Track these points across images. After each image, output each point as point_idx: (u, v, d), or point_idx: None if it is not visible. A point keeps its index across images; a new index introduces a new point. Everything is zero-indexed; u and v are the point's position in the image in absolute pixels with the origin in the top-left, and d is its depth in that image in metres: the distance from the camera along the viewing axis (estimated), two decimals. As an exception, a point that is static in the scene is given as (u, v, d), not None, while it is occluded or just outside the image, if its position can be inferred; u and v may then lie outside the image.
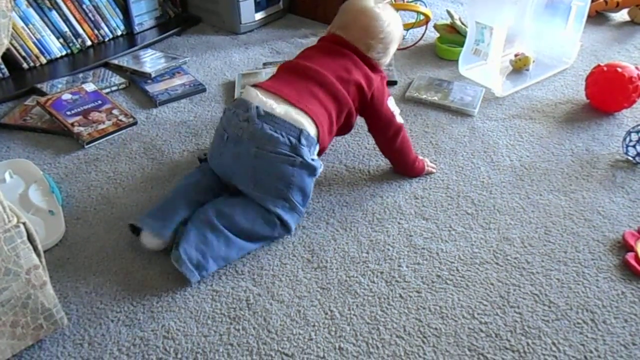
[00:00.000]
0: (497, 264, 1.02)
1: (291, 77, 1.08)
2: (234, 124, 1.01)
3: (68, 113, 1.35)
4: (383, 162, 1.26)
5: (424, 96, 1.51)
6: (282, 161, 0.99)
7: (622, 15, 2.06)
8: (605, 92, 1.44)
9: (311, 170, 1.03)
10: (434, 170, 1.24)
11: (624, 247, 1.06)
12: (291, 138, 0.99)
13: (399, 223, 1.11)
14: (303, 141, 1.00)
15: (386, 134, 1.17)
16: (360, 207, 1.15)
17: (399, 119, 1.17)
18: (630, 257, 1.02)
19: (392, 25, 1.16)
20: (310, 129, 1.02)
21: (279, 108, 1.01)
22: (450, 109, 1.48)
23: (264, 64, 1.65)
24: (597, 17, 2.01)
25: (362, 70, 1.12)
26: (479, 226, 1.11)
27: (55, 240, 1.04)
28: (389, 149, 1.20)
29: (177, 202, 1.04)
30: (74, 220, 1.10)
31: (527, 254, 1.04)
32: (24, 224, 0.75)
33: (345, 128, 1.16)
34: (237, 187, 1.04)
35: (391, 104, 1.17)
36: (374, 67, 1.15)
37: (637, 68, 1.42)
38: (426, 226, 1.10)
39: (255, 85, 1.06)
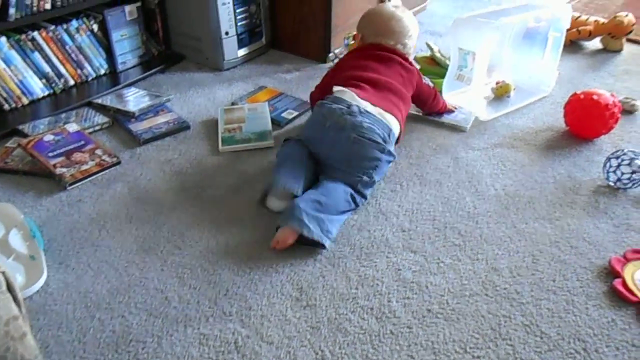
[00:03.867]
0: (486, 295, 1.02)
1: (370, 87, 1.29)
2: (337, 115, 1.21)
3: (50, 154, 1.34)
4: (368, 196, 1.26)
5: (420, 113, 1.58)
6: (375, 147, 1.21)
7: (595, 44, 2.13)
8: (583, 120, 1.47)
9: (392, 158, 1.27)
10: (454, 108, 1.59)
11: (611, 273, 1.06)
12: (384, 132, 1.23)
13: (387, 257, 1.10)
14: (391, 137, 1.25)
15: (428, 102, 1.50)
16: (347, 241, 1.14)
17: (431, 84, 1.49)
18: (618, 283, 1.03)
19: (414, 23, 1.44)
20: (396, 129, 1.28)
21: (374, 110, 1.24)
22: (444, 125, 1.55)
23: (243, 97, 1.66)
24: (571, 45, 2.07)
25: (408, 68, 1.39)
26: (467, 257, 1.11)
27: (36, 286, 1.01)
28: (431, 109, 1.54)
29: (296, 162, 1.22)
30: (56, 265, 1.08)
31: (516, 284, 1.04)
32: (3, 273, 0.73)
33: (421, 106, 1.53)
34: (326, 164, 1.23)
35: (425, 79, 1.46)
36: (409, 61, 1.41)
37: (612, 95, 1.46)
38: (414, 259, 1.10)
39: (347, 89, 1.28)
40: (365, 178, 1.20)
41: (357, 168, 1.21)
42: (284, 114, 1.58)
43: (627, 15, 2.05)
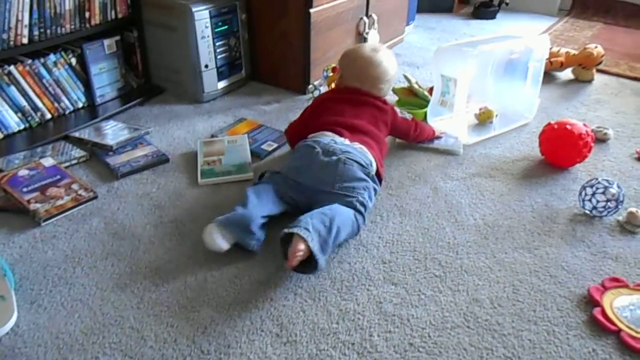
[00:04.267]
0: (468, 327, 1.01)
1: (346, 131, 1.33)
2: (325, 143, 1.26)
3: (24, 190, 1.31)
4: (349, 227, 1.26)
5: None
6: (362, 170, 1.25)
7: (567, 74, 2.19)
8: (558, 149, 1.50)
9: (377, 186, 1.30)
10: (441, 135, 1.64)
11: (590, 302, 1.07)
12: (366, 160, 1.28)
13: (368, 289, 1.09)
14: (372, 167, 1.30)
15: (410, 134, 1.53)
16: (328, 274, 1.13)
17: (409, 116, 1.53)
18: (597, 312, 1.03)
19: (392, 66, 1.48)
20: (374, 163, 1.31)
21: (353, 144, 1.30)
22: (438, 150, 1.59)
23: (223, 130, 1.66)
24: (544, 76, 2.12)
25: (382, 109, 1.43)
26: (447, 288, 1.10)
27: (6, 328, 0.97)
28: (416, 139, 1.58)
29: (258, 202, 1.19)
30: (28, 304, 1.04)
31: (498, 315, 1.04)
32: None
33: (404, 139, 1.57)
34: (313, 196, 1.22)
35: (400, 114, 1.50)
36: (384, 102, 1.45)
37: (584, 125, 1.49)
38: (395, 291, 1.09)
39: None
40: (360, 198, 1.21)
41: (349, 189, 1.22)
42: (263, 146, 1.58)
43: (596, 47, 2.12)
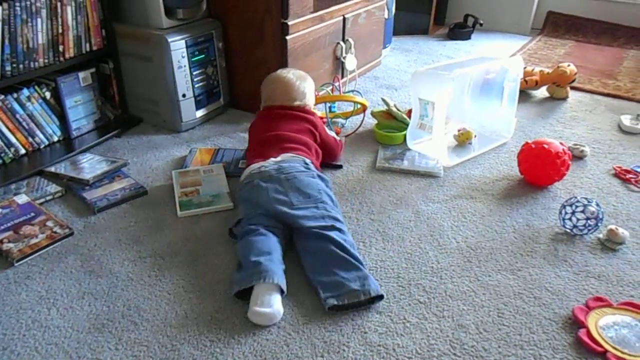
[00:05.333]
0: (454, 355, 1.00)
1: (272, 145, 1.41)
2: (259, 176, 1.30)
3: (-3, 229, 1.28)
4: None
5: (394, 165, 1.64)
6: (305, 175, 1.31)
7: (542, 92, 2.23)
8: (536, 168, 1.51)
9: (327, 179, 1.37)
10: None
11: (575, 323, 1.06)
12: (299, 163, 1.34)
13: (352, 319, 1.08)
14: (309, 164, 1.37)
15: (333, 153, 1.61)
16: (311, 305, 1.11)
17: (337, 138, 1.65)
18: (582, 333, 1.03)
19: (302, 81, 1.58)
20: (308, 160, 1.38)
21: (278, 158, 1.36)
22: (419, 173, 1.60)
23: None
24: (520, 95, 2.15)
25: (303, 117, 1.52)
26: (432, 315, 1.09)
27: (-24, 377, 0.93)
28: (334, 158, 1.63)
29: (265, 249, 1.16)
30: (0, 351, 1.00)
31: (484, 340, 1.03)
32: None
33: (325, 153, 1.56)
34: (290, 217, 1.22)
35: (328, 130, 1.61)
36: (307, 111, 1.55)
37: (561, 143, 1.51)
38: (380, 320, 1.08)
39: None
40: (325, 212, 1.24)
41: (310, 199, 1.26)
42: (240, 166, 1.60)
43: (569, 65, 2.17)
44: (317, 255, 1.17)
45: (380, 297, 1.10)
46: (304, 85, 1.58)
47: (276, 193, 1.26)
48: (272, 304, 1.05)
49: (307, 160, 1.38)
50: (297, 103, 1.55)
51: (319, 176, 1.35)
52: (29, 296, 1.14)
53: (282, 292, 1.09)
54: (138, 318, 1.08)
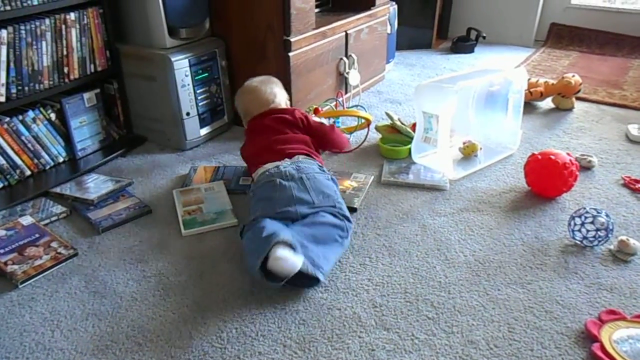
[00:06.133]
0: (465, 372, 0.97)
1: (272, 150, 1.44)
2: (277, 174, 1.33)
3: (1, 251, 1.27)
4: (337, 270, 1.23)
5: (400, 179, 1.62)
6: (321, 176, 1.36)
7: (547, 103, 2.22)
8: (543, 180, 1.50)
9: (336, 182, 1.42)
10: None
11: (588, 337, 1.04)
12: (313, 165, 1.39)
13: (359, 337, 1.06)
14: (322, 167, 1.42)
15: (327, 140, 1.60)
16: (318, 323, 1.09)
17: (326, 122, 1.65)
18: (596, 348, 1.00)
19: (267, 84, 1.63)
20: (318, 162, 1.43)
21: (293, 159, 1.40)
22: (425, 186, 1.58)
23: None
24: (525, 106, 2.15)
25: (286, 119, 1.53)
26: (441, 331, 1.07)
27: (-22, 402, 0.92)
28: (337, 147, 1.65)
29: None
30: (3, 374, 0.99)
31: (494, 357, 1.00)
32: None
33: (322, 144, 1.60)
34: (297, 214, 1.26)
35: (315, 118, 1.63)
36: (284, 110, 1.57)
37: (568, 154, 1.49)
38: (388, 337, 1.05)
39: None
40: (341, 212, 1.29)
41: (325, 197, 1.30)
42: (240, 182, 1.60)
43: (573, 76, 2.16)
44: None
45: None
46: (270, 87, 1.62)
47: (299, 192, 1.29)
48: (289, 255, 1.10)
49: (319, 164, 1.43)
50: (272, 106, 1.58)
51: (332, 178, 1.40)
52: (33, 318, 1.13)
53: (294, 249, 1.13)
54: (142, 339, 1.06)
